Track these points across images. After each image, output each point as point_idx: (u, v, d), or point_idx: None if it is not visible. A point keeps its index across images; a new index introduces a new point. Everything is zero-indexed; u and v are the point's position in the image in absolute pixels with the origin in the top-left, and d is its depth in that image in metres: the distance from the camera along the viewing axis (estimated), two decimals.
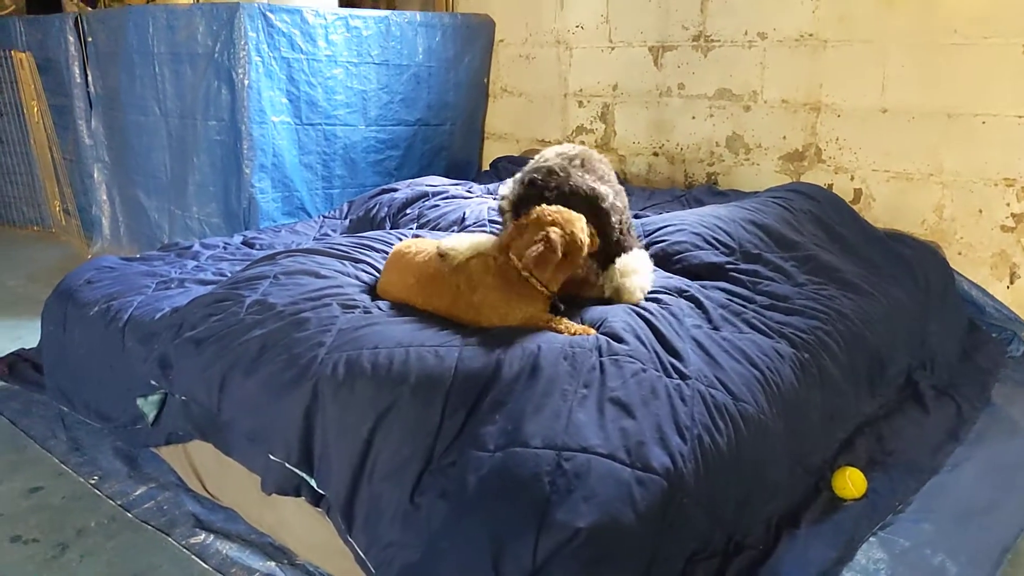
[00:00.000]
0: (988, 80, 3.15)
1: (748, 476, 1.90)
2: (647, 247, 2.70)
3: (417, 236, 2.73)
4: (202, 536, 2.08)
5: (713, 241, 2.73)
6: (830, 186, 3.62)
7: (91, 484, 2.31)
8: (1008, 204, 3.22)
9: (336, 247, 2.57)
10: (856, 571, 1.91)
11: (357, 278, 2.43)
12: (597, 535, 1.53)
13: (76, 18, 4.29)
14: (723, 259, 2.68)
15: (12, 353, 3.07)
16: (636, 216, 3.11)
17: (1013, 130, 3.14)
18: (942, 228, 3.41)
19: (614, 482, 1.61)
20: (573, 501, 1.57)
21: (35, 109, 4.87)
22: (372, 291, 2.38)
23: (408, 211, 3.25)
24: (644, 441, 1.71)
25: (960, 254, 3.38)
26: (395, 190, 3.47)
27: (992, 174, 3.23)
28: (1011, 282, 3.30)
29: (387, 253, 2.62)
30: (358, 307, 2.18)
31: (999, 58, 3.11)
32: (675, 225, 2.82)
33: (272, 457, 1.89)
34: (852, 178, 3.60)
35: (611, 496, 1.59)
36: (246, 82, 3.52)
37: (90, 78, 4.32)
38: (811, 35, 3.56)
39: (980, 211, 3.29)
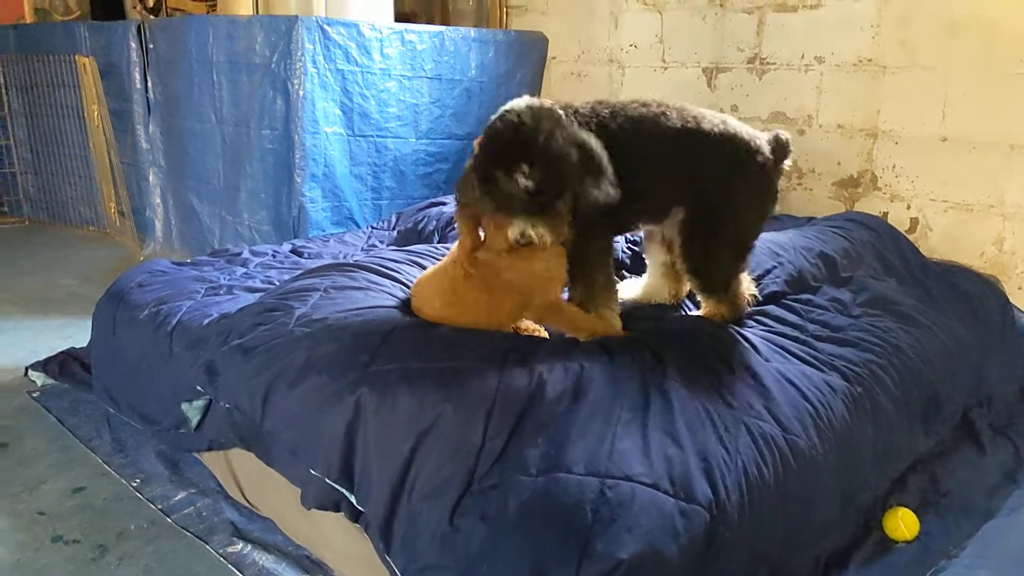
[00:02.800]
0: None
1: (795, 512, 1.84)
2: None
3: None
4: (239, 546, 2.08)
5: (773, 269, 2.69)
6: (885, 214, 3.54)
7: (133, 487, 2.34)
8: None
9: (385, 266, 2.56)
10: None
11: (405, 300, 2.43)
12: (638, 567, 1.49)
13: (139, 25, 4.40)
14: (781, 287, 2.63)
15: (63, 352, 3.13)
16: None
17: None
18: (1002, 261, 3.30)
19: (657, 513, 1.57)
20: (615, 531, 1.53)
21: (96, 113, 5.00)
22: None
23: (456, 225, 3.24)
24: (689, 471, 1.67)
25: (1020, 288, 3.27)
26: (444, 204, 3.48)
27: None
28: None
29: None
30: (403, 324, 2.16)
31: None
32: None
33: (313, 471, 1.88)
34: (909, 207, 3.51)
35: (654, 527, 1.55)
36: (301, 93, 3.56)
37: (150, 84, 4.42)
38: (870, 60, 3.49)
39: None
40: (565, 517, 1.56)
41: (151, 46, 4.35)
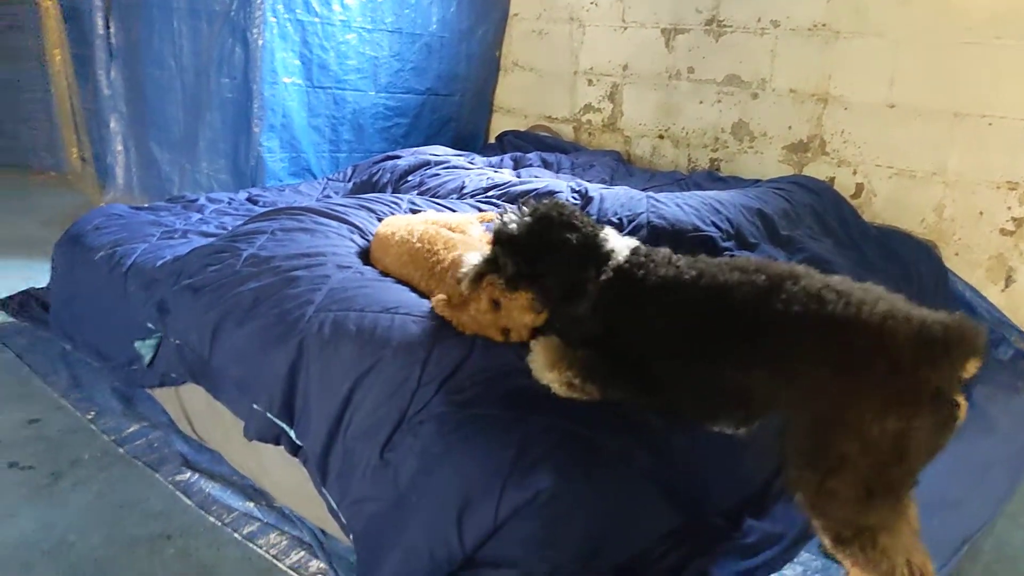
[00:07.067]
0: (998, 81, 3.15)
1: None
2: (649, 223, 2.75)
3: (414, 209, 2.79)
4: (188, 475, 2.18)
5: (712, 224, 2.79)
6: (832, 179, 3.64)
7: (87, 419, 2.42)
8: (1009, 208, 3.24)
9: (334, 208, 2.63)
10: (813, 552, 1.96)
11: (352, 239, 2.50)
12: (556, 497, 1.59)
13: None
14: (720, 243, 2.73)
15: (22, 292, 3.18)
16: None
17: (1020, 133, 3.14)
18: (941, 228, 3.42)
19: (574, 448, 1.67)
20: (535, 464, 1.62)
21: (58, 57, 4.95)
22: (365, 253, 2.45)
23: (410, 178, 3.31)
24: (605, 412, 1.77)
25: (957, 255, 3.40)
26: (398, 157, 3.53)
27: (995, 176, 3.24)
28: (1006, 285, 3.32)
29: (385, 214, 2.70)
30: (351, 268, 2.24)
31: (1010, 60, 3.11)
32: (678, 204, 2.88)
33: (255, 406, 1.97)
34: (855, 172, 3.61)
35: (571, 461, 1.64)
36: (260, 42, 3.57)
37: (112, 29, 4.38)
38: (824, 25, 3.56)
39: (980, 213, 3.31)
40: (489, 451, 1.65)
41: None
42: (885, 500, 1.51)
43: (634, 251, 1.82)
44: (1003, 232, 3.27)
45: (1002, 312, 3.32)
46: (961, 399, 1.46)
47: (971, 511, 2.19)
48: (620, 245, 1.82)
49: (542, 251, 1.81)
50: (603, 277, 1.78)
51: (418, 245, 2.20)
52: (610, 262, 1.79)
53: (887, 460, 1.46)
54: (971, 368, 1.45)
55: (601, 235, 1.83)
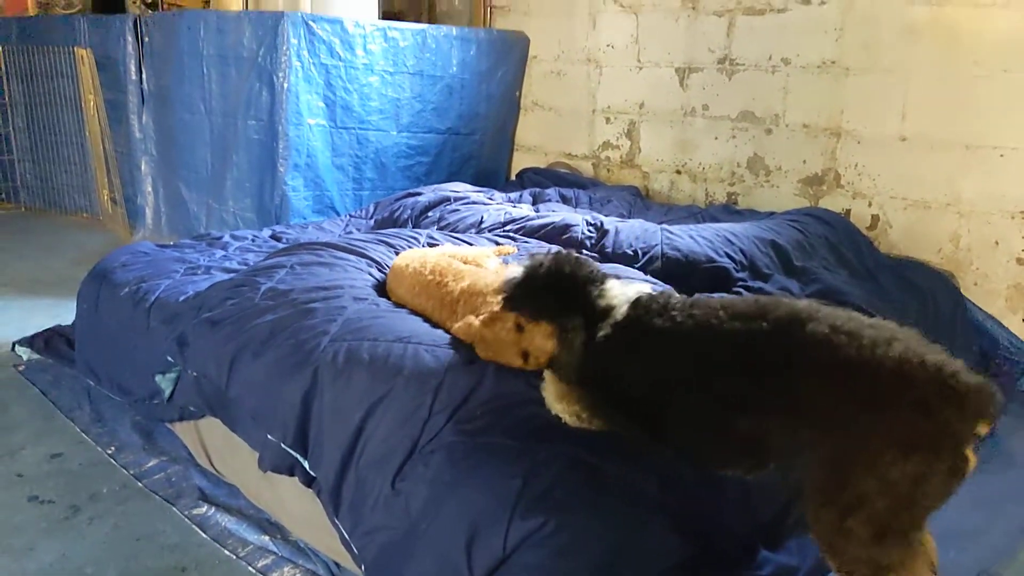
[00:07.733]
0: (1007, 113, 3.17)
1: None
2: (663, 255, 2.78)
3: (432, 243, 2.84)
4: (204, 508, 2.21)
5: (726, 255, 2.81)
6: (847, 211, 3.65)
7: (108, 454, 2.47)
8: None
9: (353, 243, 2.69)
10: None
11: (370, 273, 2.55)
12: (564, 526, 1.60)
13: (136, 19, 4.53)
14: (734, 274, 2.75)
15: (49, 328, 3.27)
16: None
17: None
18: (958, 258, 3.41)
19: (582, 480, 1.67)
20: (543, 493, 1.64)
21: (92, 103, 5.13)
22: (382, 286, 2.50)
23: (430, 214, 3.38)
24: (614, 441, 1.78)
25: (976, 284, 3.38)
26: (419, 194, 3.61)
27: (1009, 206, 3.24)
28: None
29: (403, 248, 2.76)
30: (367, 300, 2.29)
31: (1019, 92, 3.12)
32: (692, 236, 2.91)
33: (270, 437, 2.00)
34: (870, 204, 3.62)
35: (577, 490, 1.65)
36: (286, 85, 3.69)
37: (144, 76, 4.55)
38: (834, 62, 3.60)
39: (996, 243, 3.30)
40: (497, 479, 1.67)
41: (146, 39, 4.48)
42: (897, 541, 1.48)
43: (634, 304, 1.77)
44: (1020, 262, 3.26)
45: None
46: (971, 455, 1.44)
47: (988, 541, 2.16)
48: (621, 300, 1.78)
49: (524, 302, 1.82)
50: (601, 334, 1.74)
51: (429, 276, 2.25)
52: (608, 319, 1.76)
53: (903, 502, 1.44)
54: (981, 430, 1.43)
55: (596, 293, 1.78)
